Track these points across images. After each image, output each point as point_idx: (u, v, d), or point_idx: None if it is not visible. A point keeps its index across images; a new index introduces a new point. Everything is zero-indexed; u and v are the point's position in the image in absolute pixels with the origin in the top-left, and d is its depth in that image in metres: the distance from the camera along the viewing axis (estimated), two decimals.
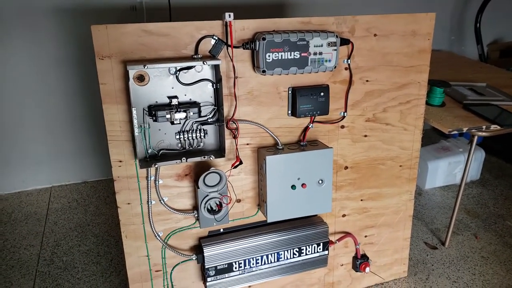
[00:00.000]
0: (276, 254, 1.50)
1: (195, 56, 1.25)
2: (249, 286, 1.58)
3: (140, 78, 1.22)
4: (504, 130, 1.82)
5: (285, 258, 1.52)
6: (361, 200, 1.64)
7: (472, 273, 1.93)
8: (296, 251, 1.52)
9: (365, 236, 1.71)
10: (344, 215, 1.64)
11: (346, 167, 1.57)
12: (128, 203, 1.36)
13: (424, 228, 2.24)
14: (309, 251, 1.54)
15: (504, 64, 3.05)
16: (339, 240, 1.65)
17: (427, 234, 2.20)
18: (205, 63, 1.22)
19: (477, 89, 2.20)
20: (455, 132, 1.78)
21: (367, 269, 1.70)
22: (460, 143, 2.72)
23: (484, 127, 1.79)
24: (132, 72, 1.19)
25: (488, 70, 2.69)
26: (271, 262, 1.50)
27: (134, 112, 1.19)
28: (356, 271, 1.73)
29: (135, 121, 1.20)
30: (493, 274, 1.92)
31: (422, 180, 2.62)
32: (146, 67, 1.16)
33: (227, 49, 1.26)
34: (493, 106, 1.99)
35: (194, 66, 1.25)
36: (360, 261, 1.70)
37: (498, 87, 2.26)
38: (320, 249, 1.55)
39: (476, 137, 1.87)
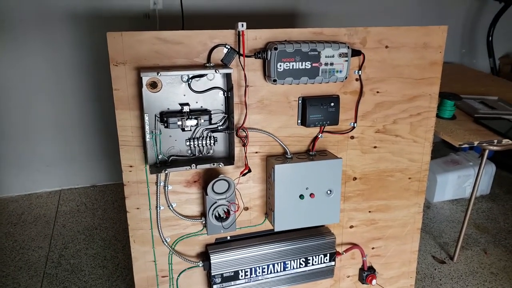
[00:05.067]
0: (282, 263, 1.50)
1: (208, 65, 1.26)
2: None
3: (153, 85, 1.23)
4: None
5: (292, 267, 1.51)
6: (369, 211, 1.64)
7: None
8: (302, 261, 1.51)
9: (372, 248, 1.70)
10: (351, 226, 1.63)
11: (355, 178, 1.57)
12: (137, 208, 1.37)
13: (432, 242, 2.22)
14: (315, 262, 1.53)
15: None
16: (346, 251, 1.64)
17: (435, 248, 2.18)
18: (217, 71, 1.23)
19: (488, 103, 2.19)
20: (466, 145, 1.77)
21: (374, 282, 1.68)
22: (470, 157, 2.70)
23: (495, 141, 1.78)
24: (146, 79, 1.21)
25: (500, 83, 2.68)
26: (277, 272, 1.50)
27: (146, 118, 1.21)
28: (363, 283, 1.71)
29: (147, 127, 1.22)
30: None
31: (430, 193, 2.60)
32: (159, 74, 1.18)
33: (239, 58, 1.28)
34: (504, 120, 1.98)
35: (206, 74, 1.26)
36: (366, 273, 1.69)
37: (510, 101, 2.24)
38: (326, 259, 1.54)
39: (487, 151, 1.86)
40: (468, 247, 2.18)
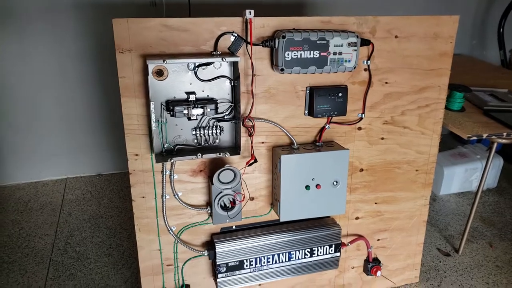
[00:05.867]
0: (287, 253, 1.49)
1: (214, 53, 1.25)
2: (259, 285, 1.57)
3: (159, 73, 1.22)
4: None
5: (297, 258, 1.51)
6: (375, 203, 1.62)
7: (486, 282, 1.89)
8: (307, 251, 1.51)
9: (378, 240, 1.69)
10: (357, 218, 1.63)
11: (362, 170, 1.55)
12: (143, 197, 1.37)
13: (438, 235, 2.21)
14: (320, 252, 1.53)
15: None
16: (351, 242, 1.64)
17: (440, 240, 2.17)
18: (224, 59, 1.22)
19: (498, 95, 2.16)
20: (474, 138, 1.75)
21: (379, 273, 1.68)
22: (478, 150, 2.67)
23: (504, 134, 1.75)
24: (152, 66, 1.20)
25: (510, 76, 2.63)
26: (282, 262, 1.50)
27: (152, 106, 1.20)
28: (367, 275, 1.71)
29: (152, 116, 1.21)
30: (507, 283, 1.88)
31: (437, 185, 2.58)
32: (165, 62, 1.16)
33: (246, 46, 1.26)
34: None
35: (213, 63, 1.25)
36: (371, 265, 1.68)
37: None
38: (332, 250, 1.54)
39: (495, 144, 1.84)
40: (474, 240, 2.17)
